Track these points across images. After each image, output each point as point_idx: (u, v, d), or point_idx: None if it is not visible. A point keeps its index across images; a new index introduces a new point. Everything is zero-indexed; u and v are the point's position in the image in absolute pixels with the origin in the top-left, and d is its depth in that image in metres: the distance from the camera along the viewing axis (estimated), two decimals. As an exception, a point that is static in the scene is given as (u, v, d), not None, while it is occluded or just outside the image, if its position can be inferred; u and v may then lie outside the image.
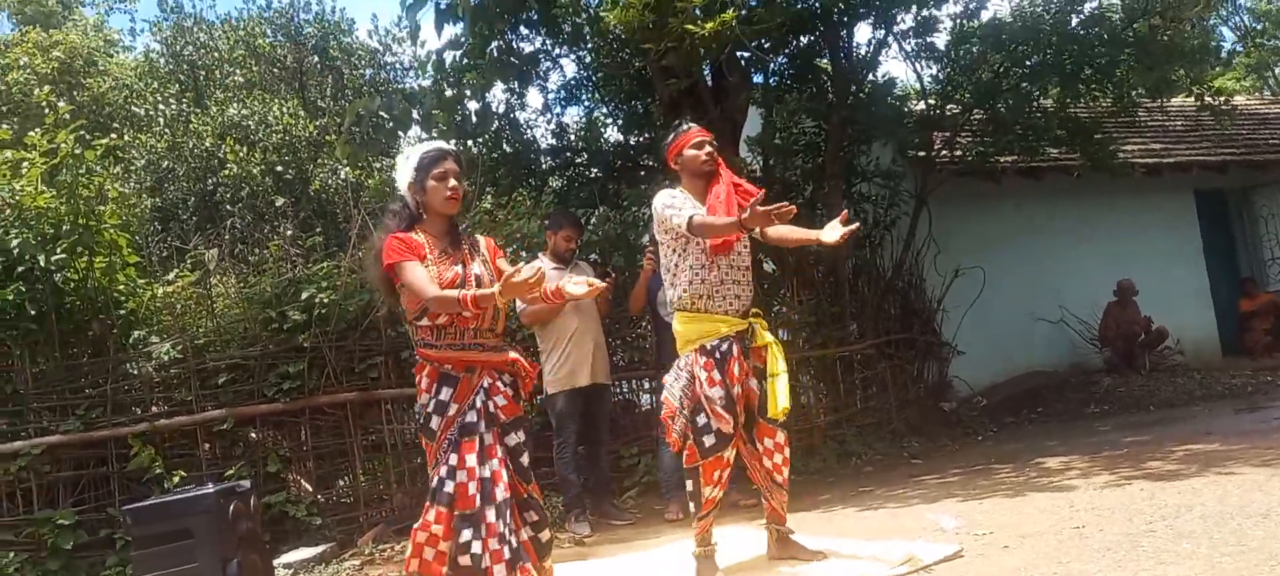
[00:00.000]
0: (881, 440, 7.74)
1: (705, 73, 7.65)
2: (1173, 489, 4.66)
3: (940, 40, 9.22)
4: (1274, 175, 11.87)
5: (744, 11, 6.32)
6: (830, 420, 7.66)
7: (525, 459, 3.34)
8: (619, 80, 9.15)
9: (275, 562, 5.52)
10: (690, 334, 3.93)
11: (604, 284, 3.26)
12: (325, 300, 6.37)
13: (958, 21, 9.27)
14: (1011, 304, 9.89)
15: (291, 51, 15.99)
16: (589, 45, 8.78)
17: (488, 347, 3.30)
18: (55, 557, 5.67)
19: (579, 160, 9.68)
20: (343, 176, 11.65)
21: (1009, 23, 9.14)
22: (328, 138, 12.42)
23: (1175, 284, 11.01)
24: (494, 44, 7.85)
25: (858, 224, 4.15)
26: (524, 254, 6.77)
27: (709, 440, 3.85)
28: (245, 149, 12.55)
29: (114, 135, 10.12)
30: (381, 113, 8.03)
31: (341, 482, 6.71)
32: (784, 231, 4.02)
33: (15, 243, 6.05)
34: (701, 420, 3.85)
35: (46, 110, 7.08)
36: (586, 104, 10.05)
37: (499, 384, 3.31)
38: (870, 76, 8.90)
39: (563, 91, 9.83)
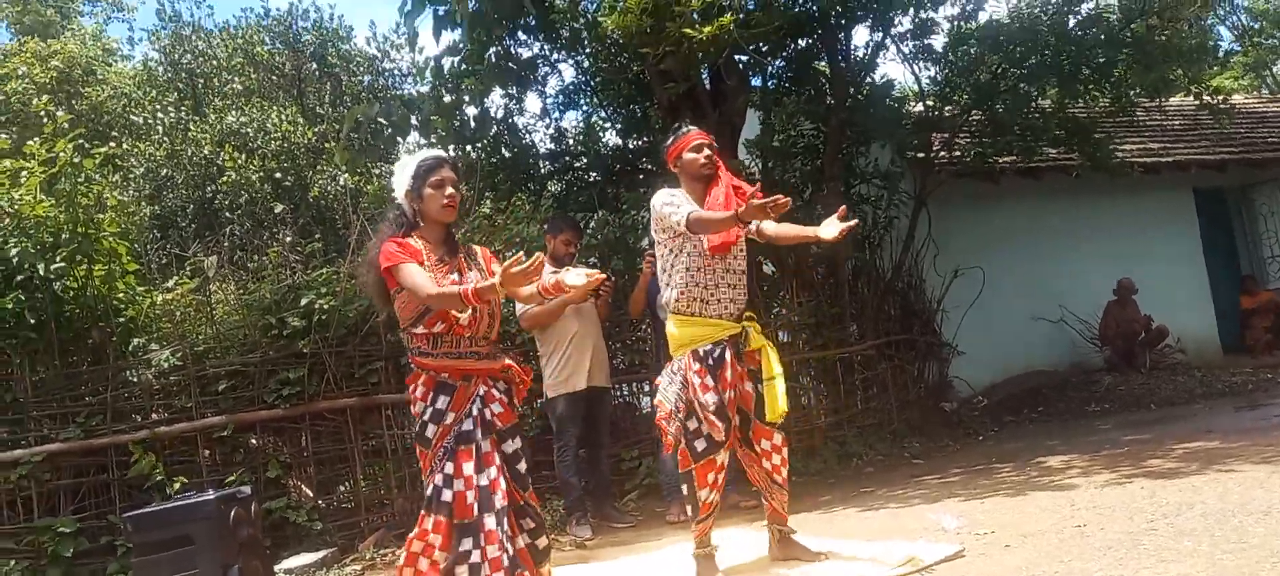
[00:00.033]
0: (882, 441, 7.73)
1: (703, 76, 7.65)
2: (1174, 487, 4.66)
3: (938, 42, 9.26)
4: (1273, 173, 11.88)
5: (742, 15, 6.32)
6: (831, 421, 7.66)
7: (522, 466, 3.34)
8: (617, 84, 9.15)
9: (276, 568, 5.52)
10: (683, 337, 3.92)
11: (601, 274, 3.26)
12: (325, 306, 6.37)
13: (955, 23, 9.28)
14: (1011, 304, 9.89)
15: (290, 59, 16.01)
16: (587, 50, 8.78)
17: (483, 355, 3.31)
18: (56, 565, 5.67)
19: (578, 164, 9.68)
20: (342, 183, 11.67)
21: (1006, 24, 9.15)
22: (326, 144, 12.43)
23: (1175, 282, 11.02)
24: (492, 50, 7.86)
25: (857, 220, 4.14)
26: (523, 258, 6.76)
27: (700, 444, 3.85)
28: (244, 156, 12.57)
29: (113, 144, 10.16)
30: (380, 119, 8.04)
31: (342, 488, 6.70)
32: (782, 229, 4.02)
33: (14, 251, 6.06)
34: (693, 425, 3.84)
35: (45, 119, 7.09)
36: (585, 108, 10.06)
37: (494, 391, 3.31)
38: (868, 78, 8.90)
39: (561, 96, 9.83)
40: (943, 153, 9.47)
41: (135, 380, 6.46)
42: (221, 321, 6.82)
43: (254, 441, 6.45)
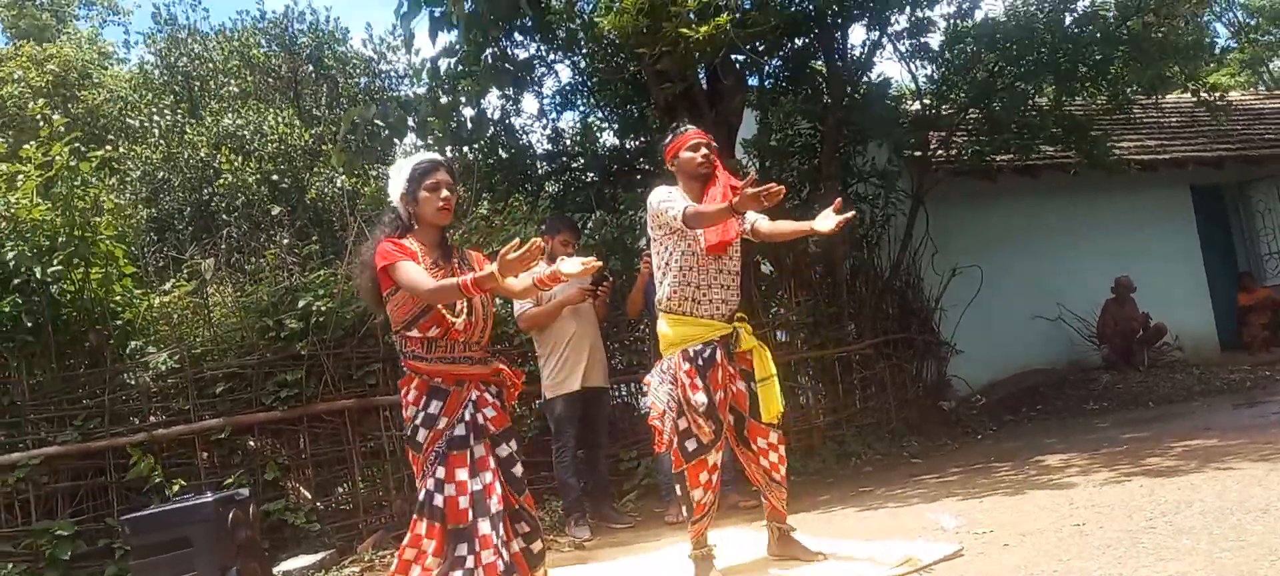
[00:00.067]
0: (881, 440, 7.73)
1: (700, 76, 7.65)
2: (1172, 485, 4.66)
3: (934, 40, 9.25)
4: (1270, 170, 11.88)
5: (738, 15, 6.32)
6: (829, 420, 7.66)
7: (517, 469, 3.33)
8: (614, 85, 9.15)
9: (274, 570, 5.52)
10: (674, 337, 3.92)
11: (596, 261, 3.25)
12: (322, 308, 6.36)
13: (951, 21, 9.27)
14: (1009, 302, 9.89)
15: (286, 61, 16.01)
16: (583, 51, 8.78)
17: (476, 360, 3.30)
18: (53, 568, 5.65)
19: (575, 165, 9.68)
20: (339, 185, 11.66)
21: (1003, 22, 9.14)
22: (323, 146, 12.42)
23: (1173, 280, 11.02)
24: (488, 51, 7.85)
25: (854, 211, 4.13)
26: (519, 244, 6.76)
27: (691, 445, 3.84)
28: (240, 159, 12.57)
29: (109, 147, 10.16)
30: (377, 121, 8.02)
31: (340, 489, 6.69)
32: (778, 227, 4.01)
33: (11, 255, 6.04)
34: (684, 424, 3.84)
35: (41, 123, 7.07)
36: (582, 109, 10.06)
37: (486, 396, 3.31)
38: (865, 77, 8.91)
39: (558, 97, 9.83)
40: (940, 151, 9.47)
41: (133, 383, 6.44)
42: (219, 324, 6.81)
43: (252, 443, 6.44)
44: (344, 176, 11.31)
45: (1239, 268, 12.10)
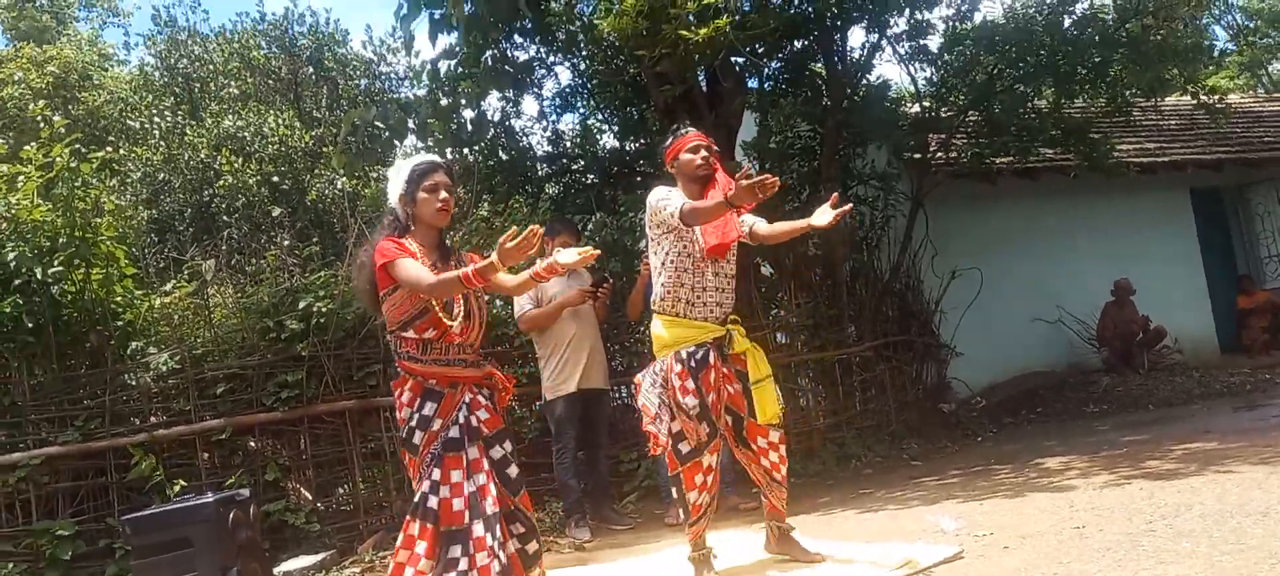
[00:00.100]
0: (881, 442, 7.74)
1: (700, 78, 7.65)
2: (1172, 488, 4.67)
3: (933, 43, 9.27)
4: (1269, 172, 11.90)
5: (737, 17, 6.32)
6: (829, 423, 7.66)
7: (512, 470, 3.33)
8: (614, 87, 9.16)
9: (274, 570, 5.52)
10: (666, 339, 3.92)
11: (595, 251, 3.26)
12: (323, 309, 6.37)
13: (950, 24, 9.30)
14: (1009, 304, 9.90)
15: (286, 63, 16.02)
16: (583, 53, 8.80)
17: (469, 363, 3.31)
18: (54, 568, 5.65)
19: (575, 167, 9.70)
20: (339, 186, 11.66)
21: (1002, 24, 9.17)
22: (324, 148, 12.43)
23: (1172, 282, 11.03)
24: (488, 53, 7.86)
25: (851, 205, 4.13)
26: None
27: (684, 447, 3.85)
28: (241, 160, 12.58)
29: (109, 148, 10.13)
30: (377, 122, 8.03)
31: (341, 490, 6.70)
32: (775, 228, 4.02)
33: (12, 256, 6.05)
34: (676, 427, 3.84)
35: (42, 124, 7.08)
36: (582, 111, 10.07)
37: (479, 398, 3.31)
38: (864, 80, 8.92)
39: (558, 99, 9.85)
40: (939, 153, 9.49)
41: (133, 383, 6.45)
42: (219, 325, 6.82)
43: (253, 444, 6.44)
44: (344, 178, 11.32)
45: (1238, 271, 12.10)
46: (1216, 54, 12.14)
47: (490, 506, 3.14)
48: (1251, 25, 20.17)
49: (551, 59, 9.12)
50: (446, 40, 7.74)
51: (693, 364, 3.83)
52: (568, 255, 3.19)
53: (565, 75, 9.84)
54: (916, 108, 9.78)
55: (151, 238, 11.46)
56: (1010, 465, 6.36)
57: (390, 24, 23.90)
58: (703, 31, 5.94)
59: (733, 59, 7.41)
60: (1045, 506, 4.71)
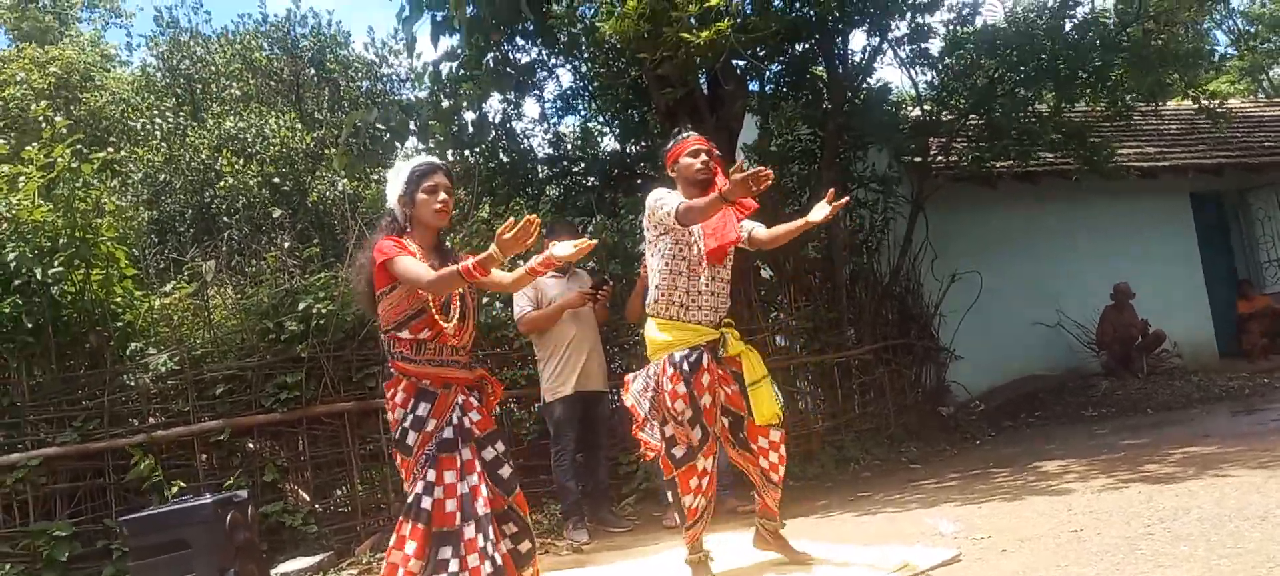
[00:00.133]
0: (879, 445, 7.73)
1: (701, 81, 7.66)
2: (1170, 492, 4.67)
3: (934, 47, 9.27)
4: (1269, 177, 11.90)
5: (739, 20, 6.33)
6: (828, 426, 7.66)
7: (505, 470, 3.33)
8: (615, 89, 9.16)
9: (272, 572, 5.52)
10: (660, 342, 3.91)
11: (591, 242, 3.25)
12: (322, 310, 6.37)
13: (951, 27, 9.30)
14: (1009, 308, 9.89)
15: (288, 65, 16.03)
16: (585, 55, 8.80)
17: (461, 365, 3.32)
18: (51, 569, 5.65)
19: (576, 169, 9.70)
20: (340, 188, 11.66)
21: (1003, 28, 9.17)
22: (325, 150, 12.44)
23: (1172, 287, 11.03)
24: (490, 55, 7.87)
25: (848, 198, 4.12)
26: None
27: (678, 452, 3.85)
28: (242, 161, 12.59)
29: (111, 149, 10.13)
30: (378, 124, 8.04)
31: (339, 492, 6.70)
32: (775, 231, 4.01)
33: (12, 256, 6.05)
34: (669, 431, 3.84)
35: (43, 125, 7.09)
36: (583, 113, 10.09)
37: (471, 400, 3.32)
38: (865, 83, 8.92)
39: (559, 101, 9.86)
40: (940, 157, 9.49)
41: (132, 384, 6.45)
42: (219, 326, 6.82)
43: (251, 445, 6.44)
44: (345, 180, 11.32)
45: (1238, 275, 12.09)
46: (1217, 59, 12.08)
47: (482, 508, 3.14)
48: (1252, 30, 20.20)
49: (553, 61, 9.13)
50: (448, 42, 7.77)
51: (686, 367, 3.82)
52: (564, 247, 3.18)
53: (567, 78, 9.87)
54: (917, 111, 9.78)
55: (152, 238, 11.48)
56: (1009, 468, 6.36)
57: (392, 26, 23.90)
58: (704, 34, 5.94)
59: (734, 62, 7.41)
60: (1043, 509, 4.71)
